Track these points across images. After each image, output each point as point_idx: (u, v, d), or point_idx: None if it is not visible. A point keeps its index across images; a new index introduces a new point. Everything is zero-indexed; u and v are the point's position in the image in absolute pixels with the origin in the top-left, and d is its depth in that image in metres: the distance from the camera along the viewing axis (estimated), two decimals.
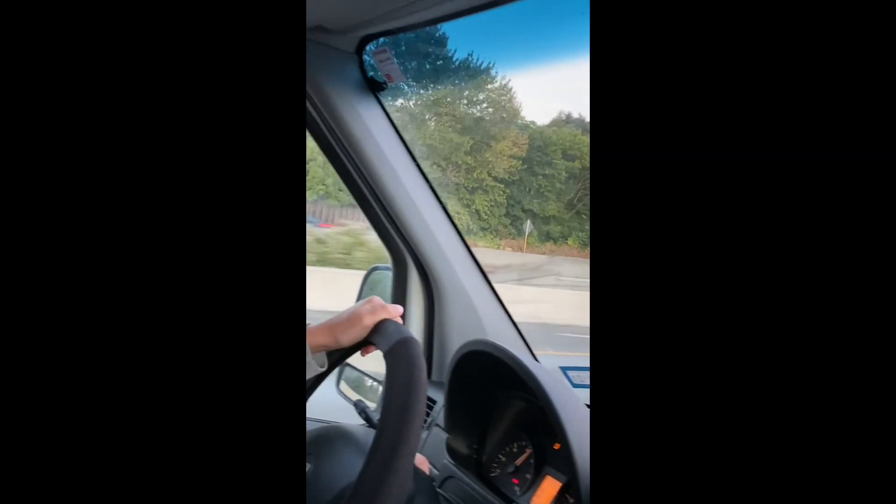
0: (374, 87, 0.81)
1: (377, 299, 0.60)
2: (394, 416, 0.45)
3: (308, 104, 0.79)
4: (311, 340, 0.58)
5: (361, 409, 0.75)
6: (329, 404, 0.85)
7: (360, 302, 0.60)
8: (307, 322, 0.58)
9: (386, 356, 0.51)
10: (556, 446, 0.69)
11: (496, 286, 0.89)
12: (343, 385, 0.92)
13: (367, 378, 0.90)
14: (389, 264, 0.92)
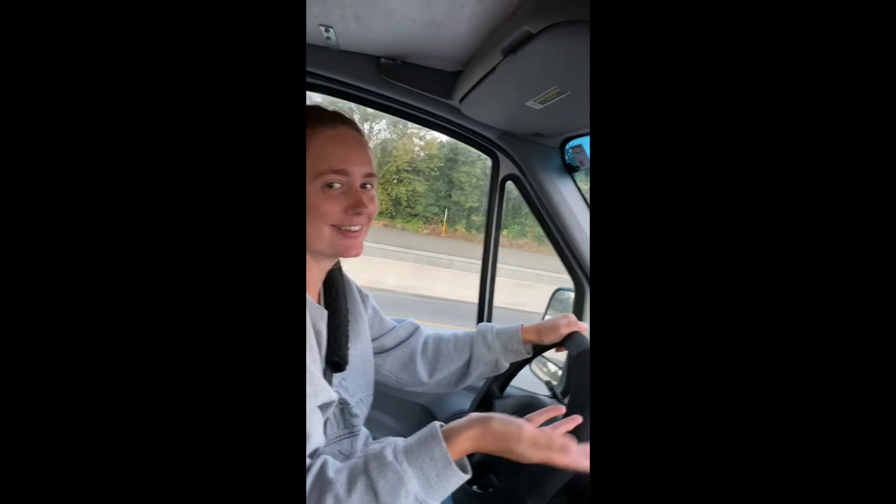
0: (571, 170, 1.18)
1: (572, 317, 0.79)
2: (577, 403, 0.62)
3: (525, 183, 1.19)
4: (523, 336, 0.81)
5: (550, 388, 0.96)
6: (527, 380, 1.25)
7: (560, 316, 0.80)
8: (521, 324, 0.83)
9: (573, 358, 0.73)
10: None
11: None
12: (535, 367, 1.32)
13: (552, 364, 1.29)
14: (571, 287, 1.28)
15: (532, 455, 0.51)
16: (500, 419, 0.52)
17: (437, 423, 0.53)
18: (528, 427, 0.52)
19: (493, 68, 0.76)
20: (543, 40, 0.62)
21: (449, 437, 0.51)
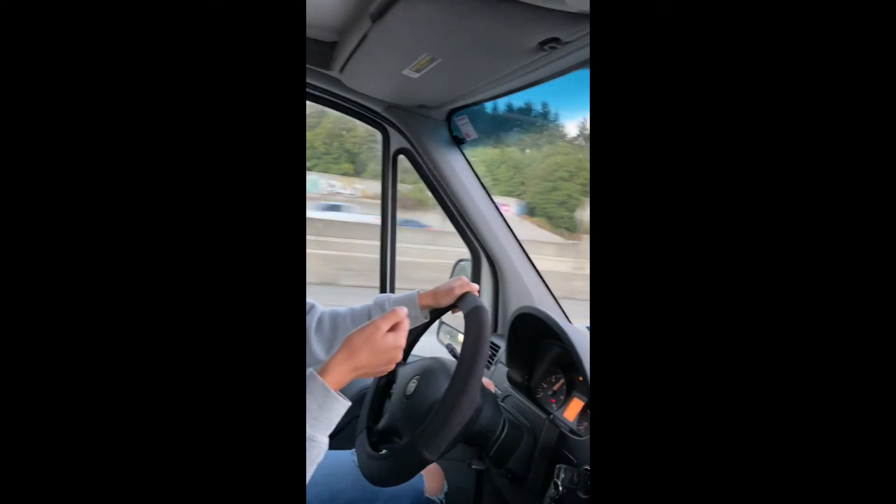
0: (458, 142, 1.21)
1: (464, 278, 0.81)
2: (468, 356, 0.62)
3: (416, 156, 1.20)
4: (420, 301, 0.81)
5: (451, 350, 1.03)
6: (431, 349, 1.28)
7: (454, 278, 0.82)
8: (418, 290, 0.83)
9: (465, 316, 0.71)
10: (581, 378, 0.89)
11: None
12: (441, 335, 1.36)
13: (454, 330, 1.34)
14: (469, 257, 1.33)
15: (399, 343, 0.60)
16: (356, 330, 0.59)
17: (311, 368, 0.56)
18: (382, 324, 0.59)
19: (365, 35, 0.76)
20: (408, 3, 0.63)
21: (322, 372, 0.55)
